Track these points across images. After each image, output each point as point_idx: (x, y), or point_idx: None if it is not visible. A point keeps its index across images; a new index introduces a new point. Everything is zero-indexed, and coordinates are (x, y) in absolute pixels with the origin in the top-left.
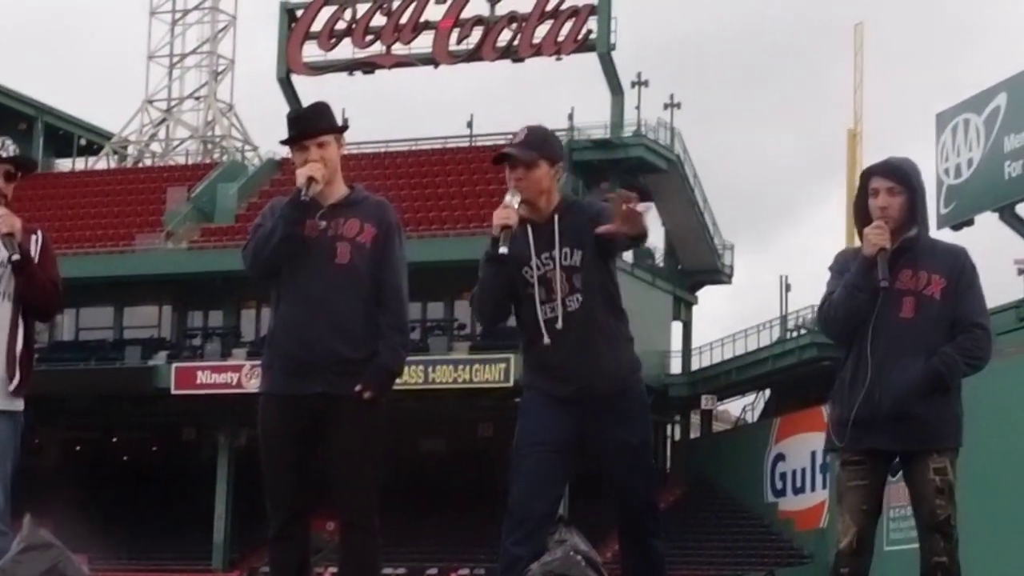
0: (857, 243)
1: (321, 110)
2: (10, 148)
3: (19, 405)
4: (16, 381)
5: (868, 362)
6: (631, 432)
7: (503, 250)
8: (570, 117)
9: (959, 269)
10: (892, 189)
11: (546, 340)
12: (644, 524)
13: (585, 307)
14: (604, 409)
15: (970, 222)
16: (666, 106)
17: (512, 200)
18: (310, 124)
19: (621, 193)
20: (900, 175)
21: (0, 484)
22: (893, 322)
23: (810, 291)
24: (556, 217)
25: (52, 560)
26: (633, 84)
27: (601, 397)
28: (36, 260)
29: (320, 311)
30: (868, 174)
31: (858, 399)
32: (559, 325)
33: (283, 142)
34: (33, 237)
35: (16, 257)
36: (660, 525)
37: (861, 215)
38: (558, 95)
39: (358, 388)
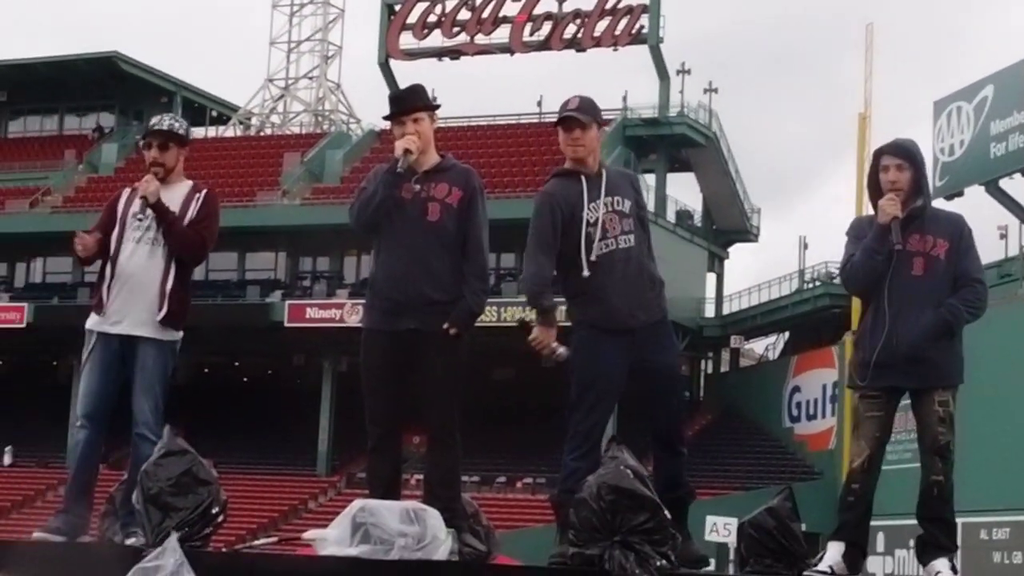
0: (867, 211)
1: (416, 91)
2: (165, 122)
3: (171, 335)
4: (163, 312)
5: (886, 313)
6: (670, 357)
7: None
8: (624, 99)
9: (959, 233)
10: (900, 166)
11: (586, 273)
12: (678, 435)
13: (635, 246)
14: (647, 337)
15: (960, 193)
16: (705, 91)
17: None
18: (407, 103)
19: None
20: (907, 153)
21: (152, 402)
22: (906, 279)
23: (824, 250)
24: (604, 172)
25: (187, 464)
26: (678, 72)
27: (646, 326)
28: (195, 216)
29: (414, 260)
30: (879, 153)
31: (879, 345)
32: (614, 260)
33: (385, 117)
34: (196, 195)
35: (140, 216)
36: (683, 436)
37: (874, 189)
38: (614, 80)
39: (445, 326)
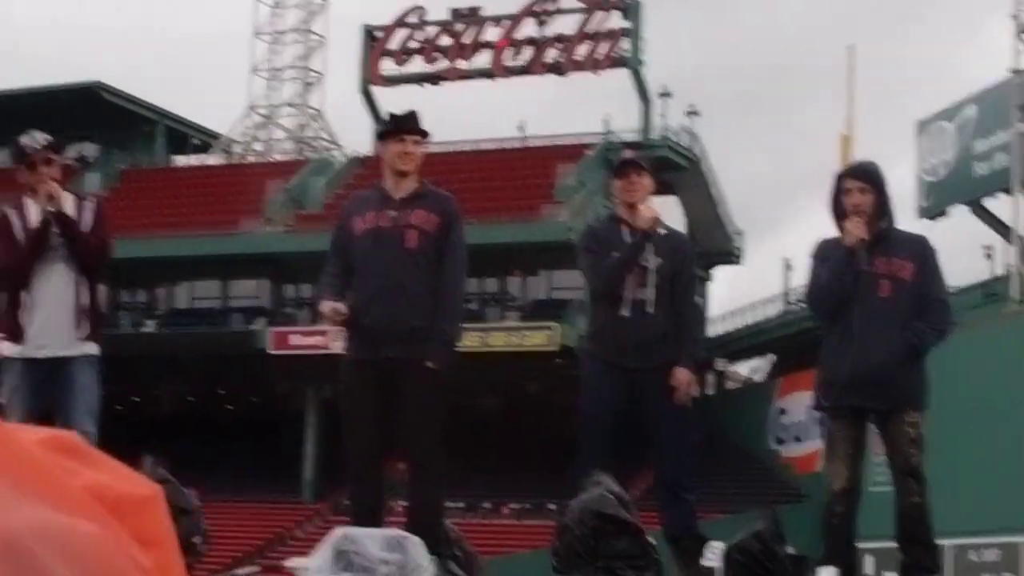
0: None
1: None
2: (38, 139)
3: (92, 349)
4: (86, 328)
5: (855, 335)
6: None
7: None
8: (606, 123)
9: (923, 254)
10: (863, 189)
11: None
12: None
13: (647, 300)
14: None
15: (944, 213)
16: (687, 113)
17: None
18: (410, 123)
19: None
20: (869, 176)
21: (90, 416)
22: (873, 301)
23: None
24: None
25: (167, 494)
26: (659, 95)
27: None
28: (91, 224)
29: (393, 287)
30: (841, 176)
31: (847, 366)
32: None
33: (381, 135)
34: (88, 203)
35: (51, 209)
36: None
37: (836, 211)
38: (596, 104)
39: (429, 364)
